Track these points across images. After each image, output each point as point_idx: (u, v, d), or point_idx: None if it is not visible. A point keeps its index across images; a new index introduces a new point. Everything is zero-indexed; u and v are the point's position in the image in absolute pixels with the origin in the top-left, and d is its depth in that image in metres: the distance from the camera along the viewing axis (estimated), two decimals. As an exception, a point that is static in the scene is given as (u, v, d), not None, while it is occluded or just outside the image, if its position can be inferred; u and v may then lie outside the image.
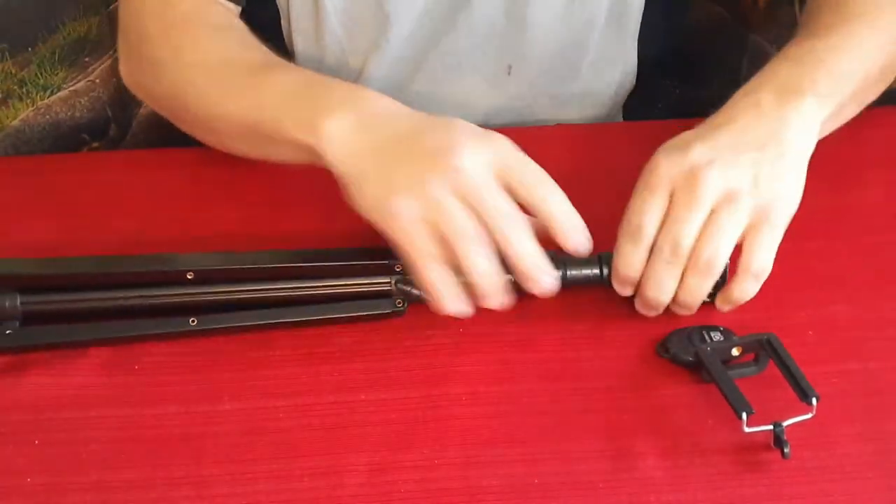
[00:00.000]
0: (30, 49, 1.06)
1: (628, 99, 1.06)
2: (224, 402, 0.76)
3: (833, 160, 0.92)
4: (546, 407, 0.75)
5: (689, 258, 0.75)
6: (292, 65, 0.88)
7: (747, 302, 0.80)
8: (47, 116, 1.09)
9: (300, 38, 1.00)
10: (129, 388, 0.77)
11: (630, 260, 0.76)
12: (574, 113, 1.03)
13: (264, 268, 0.80)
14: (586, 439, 0.73)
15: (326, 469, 0.72)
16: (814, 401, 0.71)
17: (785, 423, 0.70)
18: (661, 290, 0.76)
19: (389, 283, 0.80)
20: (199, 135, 0.91)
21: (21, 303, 0.78)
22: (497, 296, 0.74)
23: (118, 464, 0.72)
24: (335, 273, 0.79)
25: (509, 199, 0.73)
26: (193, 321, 0.78)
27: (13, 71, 1.06)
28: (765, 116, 0.78)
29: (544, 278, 0.75)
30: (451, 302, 0.74)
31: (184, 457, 0.73)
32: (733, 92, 0.82)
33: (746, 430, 0.70)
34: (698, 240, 0.74)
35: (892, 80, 0.90)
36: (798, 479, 0.70)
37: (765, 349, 0.75)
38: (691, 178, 0.75)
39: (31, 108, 1.08)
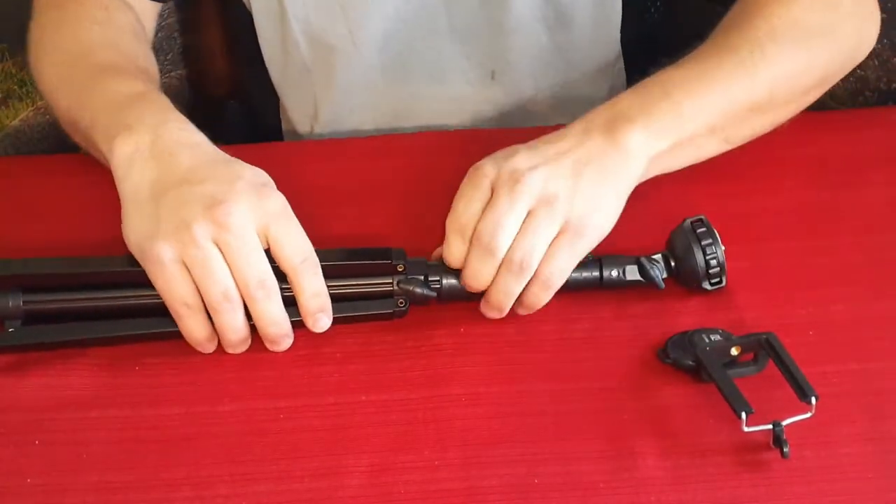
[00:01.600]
0: (30, 49, 1.06)
1: None
2: (224, 402, 0.76)
3: (833, 160, 0.92)
4: (546, 407, 0.75)
5: (505, 256, 0.76)
6: (139, 75, 0.87)
7: (747, 301, 0.80)
8: (47, 116, 1.09)
9: (266, 45, 1.01)
10: (130, 389, 0.77)
11: (457, 255, 0.77)
12: (567, 117, 1.03)
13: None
14: (586, 439, 0.73)
15: (327, 470, 0.72)
16: (813, 400, 0.71)
17: (784, 423, 0.70)
18: (479, 280, 0.77)
19: (391, 283, 0.79)
20: (50, 111, 0.94)
21: (24, 302, 0.78)
22: (242, 345, 0.77)
23: (118, 464, 0.72)
24: (337, 273, 0.79)
25: (265, 263, 0.74)
26: None
27: (13, 71, 1.06)
28: (591, 140, 0.80)
29: (285, 342, 0.77)
30: (207, 345, 0.77)
31: (184, 457, 0.73)
32: None
33: (746, 429, 0.70)
34: (514, 239, 0.76)
35: (786, 112, 0.87)
36: (798, 479, 0.70)
37: (764, 349, 0.75)
38: (513, 178, 0.76)
39: (31, 108, 1.09)
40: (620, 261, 0.80)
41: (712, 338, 0.76)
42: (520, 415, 0.74)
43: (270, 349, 0.77)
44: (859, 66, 0.93)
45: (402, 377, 0.77)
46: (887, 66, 1.08)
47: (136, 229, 0.75)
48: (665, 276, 0.80)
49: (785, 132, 0.90)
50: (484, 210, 0.77)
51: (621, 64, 1.04)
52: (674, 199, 0.86)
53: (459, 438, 0.73)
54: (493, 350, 0.79)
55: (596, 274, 0.80)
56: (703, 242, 0.79)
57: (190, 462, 0.72)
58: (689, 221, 0.80)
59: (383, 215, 0.89)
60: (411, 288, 0.79)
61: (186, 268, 0.73)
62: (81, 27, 0.91)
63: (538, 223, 0.76)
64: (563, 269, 0.77)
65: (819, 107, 0.94)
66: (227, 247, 0.73)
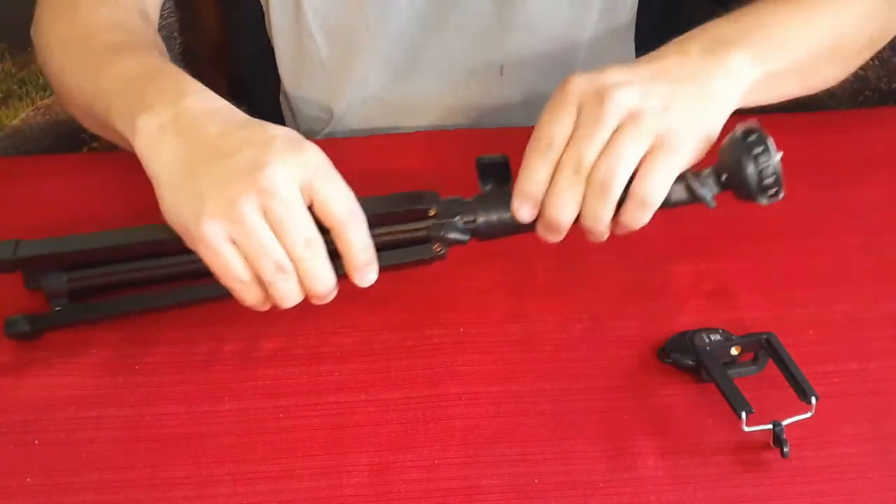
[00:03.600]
0: (30, 49, 1.06)
1: None
2: (224, 402, 0.76)
3: (833, 160, 0.92)
4: (546, 407, 0.75)
5: (588, 177, 0.72)
6: (150, 50, 0.83)
7: (747, 301, 0.80)
8: (47, 116, 1.09)
9: (280, 39, 1.01)
10: (130, 388, 0.77)
11: (536, 176, 0.73)
12: None
13: None
14: (586, 439, 0.73)
15: (327, 469, 0.72)
16: (813, 400, 0.71)
17: (784, 423, 0.70)
18: (562, 210, 0.73)
19: (424, 228, 0.77)
20: (60, 101, 0.89)
21: (67, 280, 0.78)
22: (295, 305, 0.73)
23: (118, 464, 0.73)
24: (371, 222, 0.74)
25: (309, 222, 0.71)
26: None
27: (13, 71, 1.06)
28: (690, 61, 0.76)
29: (330, 296, 0.73)
30: (263, 307, 0.73)
31: (184, 457, 0.73)
32: None
33: (746, 429, 0.70)
34: (597, 158, 0.72)
35: (846, 68, 0.86)
36: (798, 479, 0.70)
37: (764, 349, 0.75)
38: (600, 95, 0.72)
39: (31, 108, 1.09)
40: None
41: (712, 338, 0.76)
42: (520, 415, 0.75)
43: (315, 303, 0.74)
44: (860, 66, 0.93)
45: (401, 377, 0.77)
46: (887, 66, 1.08)
47: (179, 210, 0.72)
48: (717, 191, 0.74)
49: (785, 132, 0.89)
50: (570, 136, 0.72)
51: (632, 57, 1.03)
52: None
53: (459, 438, 0.73)
54: (493, 350, 0.79)
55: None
56: (755, 152, 0.73)
57: (190, 462, 0.72)
58: (739, 130, 0.74)
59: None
60: (443, 234, 0.76)
61: (236, 244, 0.70)
62: (87, 9, 0.88)
63: (621, 142, 0.71)
64: (659, 185, 0.72)
65: (819, 107, 0.94)
66: (272, 212, 0.70)
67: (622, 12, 0.99)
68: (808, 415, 0.71)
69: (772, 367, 0.74)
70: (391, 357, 0.78)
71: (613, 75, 0.74)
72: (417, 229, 0.77)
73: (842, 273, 0.84)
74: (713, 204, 0.74)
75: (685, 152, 0.73)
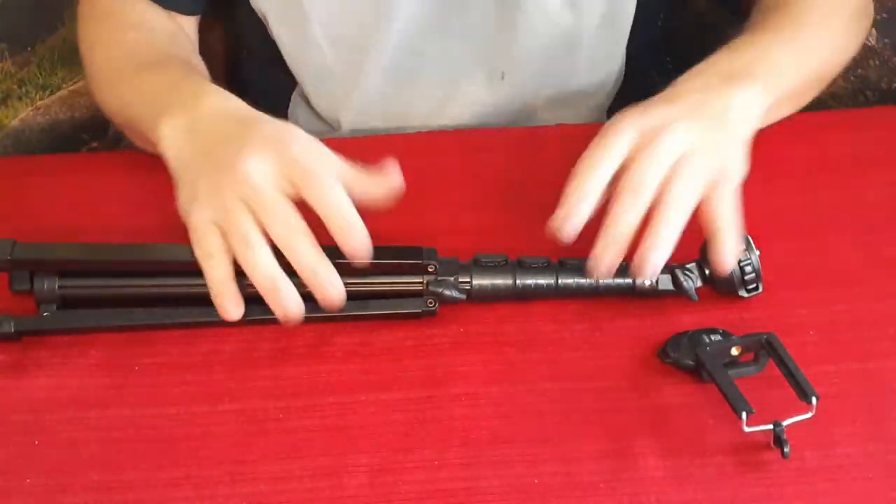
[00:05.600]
0: (29, 49, 1.06)
1: (617, 100, 1.06)
2: (224, 402, 0.76)
3: (833, 160, 0.92)
4: (546, 407, 0.75)
5: (659, 198, 0.75)
6: (179, 64, 0.90)
7: (747, 301, 0.80)
8: (47, 116, 1.09)
9: (285, 48, 1.01)
10: (130, 389, 0.77)
11: (588, 191, 0.75)
12: (570, 114, 1.03)
13: None
14: (586, 439, 0.73)
15: (327, 470, 0.72)
16: (813, 400, 0.71)
17: (785, 423, 0.70)
18: (623, 230, 0.75)
19: (422, 282, 0.79)
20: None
21: (59, 286, 0.78)
22: (281, 298, 0.74)
23: (118, 464, 0.73)
24: (368, 271, 0.78)
25: (289, 205, 0.74)
26: None
27: (13, 71, 1.06)
28: (714, 96, 0.81)
29: (330, 279, 0.75)
30: (226, 300, 0.75)
31: (184, 457, 0.73)
32: None
33: (746, 429, 0.70)
34: (668, 178, 0.75)
35: (821, 89, 0.93)
36: (798, 479, 0.70)
37: (764, 349, 0.75)
38: (657, 132, 0.76)
39: (30, 108, 1.09)
40: None
41: (712, 338, 0.76)
42: (520, 415, 0.75)
43: (315, 294, 0.75)
44: (859, 66, 0.93)
45: (402, 377, 0.77)
46: (887, 66, 1.08)
47: (181, 202, 0.78)
48: (699, 285, 0.80)
49: (785, 132, 0.90)
50: (626, 164, 0.76)
51: (623, 61, 1.04)
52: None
53: (459, 438, 0.73)
54: (493, 350, 0.79)
55: (629, 281, 0.79)
56: None
57: (190, 462, 0.72)
58: None
59: (383, 215, 0.89)
60: (441, 290, 0.79)
61: (218, 227, 0.74)
62: (118, 37, 0.95)
63: (685, 175, 0.75)
64: (734, 211, 0.76)
65: (819, 107, 0.94)
66: (251, 201, 0.74)
67: (622, 17, 0.99)
68: (809, 415, 0.71)
69: (772, 368, 0.74)
70: (391, 357, 0.78)
71: (662, 113, 0.78)
72: (413, 283, 0.79)
73: (842, 273, 0.84)
74: (695, 297, 0.79)
75: (735, 184, 0.77)
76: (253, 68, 1.11)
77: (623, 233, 0.75)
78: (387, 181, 0.77)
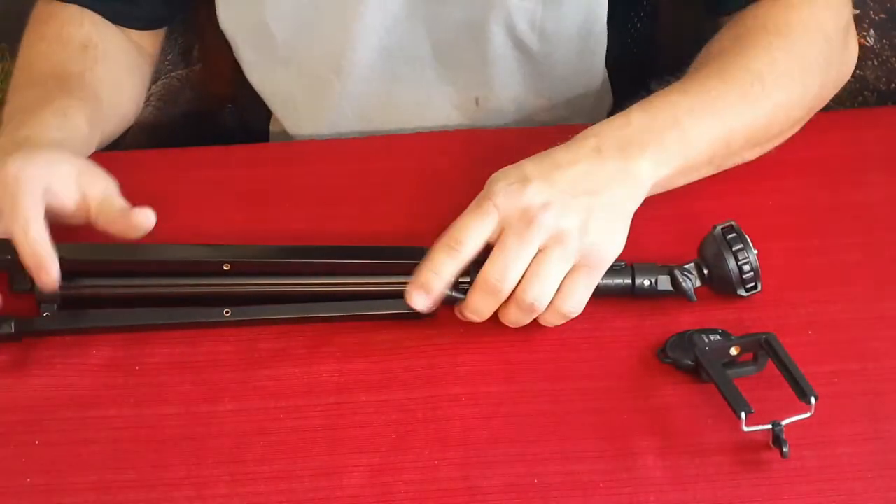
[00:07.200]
0: (29, 49, 1.06)
1: (617, 103, 1.05)
2: (224, 402, 0.76)
3: (833, 160, 0.92)
4: (546, 407, 0.75)
5: (513, 294, 0.75)
6: (41, 93, 0.90)
7: (746, 301, 0.80)
8: (47, 117, 1.08)
9: (250, 70, 1.02)
10: (130, 389, 0.77)
11: (441, 269, 0.76)
12: (546, 144, 1.03)
13: (301, 262, 0.80)
14: (586, 439, 0.73)
15: (327, 470, 0.72)
16: (812, 400, 0.71)
17: (784, 423, 0.70)
18: (479, 315, 0.77)
19: None
20: None
21: (60, 286, 0.78)
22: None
23: (118, 464, 0.73)
24: (369, 270, 0.79)
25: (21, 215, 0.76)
26: (227, 312, 0.79)
27: (13, 71, 1.06)
28: (605, 165, 0.79)
29: (44, 268, 0.77)
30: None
31: (184, 457, 0.73)
32: None
33: (745, 429, 0.70)
34: (524, 279, 0.75)
35: (767, 147, 0.89)
36: (797, 479, 0.70)
37: (764, 349, 0.75)
38: (525, 217, 0.75)
39: (30, 109, 1.08)
40: (653, 270, 0.80)
41: (712, 338, 0.76)
42: (520, 415, 0.75)
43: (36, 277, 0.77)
44: (859, 67, 0.93)
45: (402, 377, 0.77)
46: (887, 66, 1.08)
47: None
48: (698, 285, 0.80)
49: (785, 132, 0.90)
50: (493, 252, 0.75)
51: (607, 86, 1.04)
52: (684, 196, 0.86)
53: (459, 438, 0.73)
54: (493, 350, 0.79)
55: (628, 281, 0.79)
56: (735, 248, 0.78)
57: (190, 462, 0.73)
58: (719, 228, 0.79)
59: (383, 215, 0.89)
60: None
61: None
62: (33, 46, 0.96)
63: (549, 264, 0.75)
64: (581, 301, 0.77)
65: (819, 107, 0.94)
66: None
67: (595, 42, 0.99)
68: (808, 415, 0.71)
69: (771, 367, 0.74)
70: (391, 358, 0.78)
71: (536, 192, 0.76)
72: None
73: (842, 273, 0.84)
74: (694, 298, 0.79)
75: (602, 267, 0.78)
76: None
77: (478, 316, 0.77)
78: (135, 216, 0.79)
